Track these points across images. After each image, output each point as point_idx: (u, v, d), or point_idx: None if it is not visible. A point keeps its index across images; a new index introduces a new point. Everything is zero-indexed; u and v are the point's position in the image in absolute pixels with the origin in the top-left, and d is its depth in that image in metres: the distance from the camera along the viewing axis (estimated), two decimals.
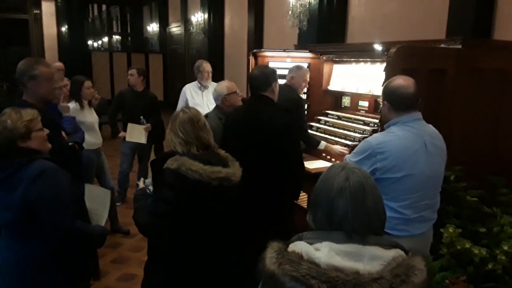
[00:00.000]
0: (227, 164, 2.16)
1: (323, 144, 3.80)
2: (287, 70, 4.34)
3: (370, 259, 1.12)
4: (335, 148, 3.76)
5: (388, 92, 2.26)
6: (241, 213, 2.60)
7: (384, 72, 2.72)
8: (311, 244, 1.16)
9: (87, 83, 4.17)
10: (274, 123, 2.64)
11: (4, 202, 1.96)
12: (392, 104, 2.24)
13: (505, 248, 2.20)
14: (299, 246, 1.17)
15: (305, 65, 4.29)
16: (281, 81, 3.38)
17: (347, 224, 1.16)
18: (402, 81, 2.22)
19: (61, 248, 2.02)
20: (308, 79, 3.97)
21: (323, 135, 4.04)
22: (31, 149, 1.99)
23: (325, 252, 1.12)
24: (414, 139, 2.19)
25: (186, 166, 2.00)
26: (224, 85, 3.45)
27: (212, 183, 2.01)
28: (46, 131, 2.11)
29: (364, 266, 1.10)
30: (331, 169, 1.26)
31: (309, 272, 1.07)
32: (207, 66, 4.92)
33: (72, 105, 3.86)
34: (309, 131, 4.12)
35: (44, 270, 2.01)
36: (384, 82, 2.48)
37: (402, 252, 1.17)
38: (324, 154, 4.06)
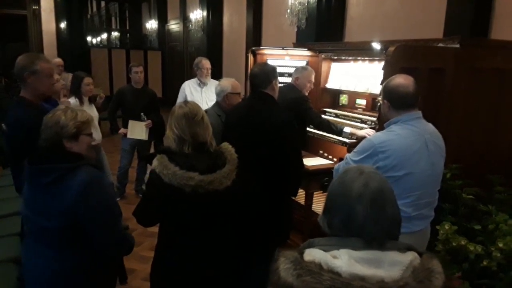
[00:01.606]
0: (220, 166, 2.09)
1: (348, 129, 3.69)
2: (286, 68, 4.36)
3: (390, 265, 1.09)
4: (361, 133, 3.54)
5: (388, 91, 2.25)
6: (241, 211, 2.62)
7: (382, 71, 2.74)
8: (326, 251, 1.11)
9: (86, 80, 4.17)
10: (274, 120, 2.65)
11: (48, 208, 1.85)
12: (392, 103, 2.23)
13: (500, 245, 2.23)
14: (315, 255, 1.11)
15: (303, 63, 4.31)
16: (280, 79, 3.39)
17: (366, 231, 1.13)
18: (402, 80, 2.21)
19: (97, 257, 1.96)
20: (313, 80, 3.96)
21: (321, 132, 4.06)
22: (74, 153, 1.94)
23: (345, 260, 1.07)
24: (416, 138, 2.19)
25: (160, 168, 1.99)
26: (229, 83, 3.40)
27: (184, 189, 1.97)
28: (95, 139, 2.08)
29: (385, 272, 1.07)
30: (348, 173, 1.21)
31: (333, 284, 1.02)
32: (206, 63, 4.93)
33: (72, 100, 3.88)
34: (309, 129, 4.14)
35: (77, 280, 1.94)
36: (382, 81, 2.49)
37: (417, 255, 1.15)
38: (324, 153, 4.09)
